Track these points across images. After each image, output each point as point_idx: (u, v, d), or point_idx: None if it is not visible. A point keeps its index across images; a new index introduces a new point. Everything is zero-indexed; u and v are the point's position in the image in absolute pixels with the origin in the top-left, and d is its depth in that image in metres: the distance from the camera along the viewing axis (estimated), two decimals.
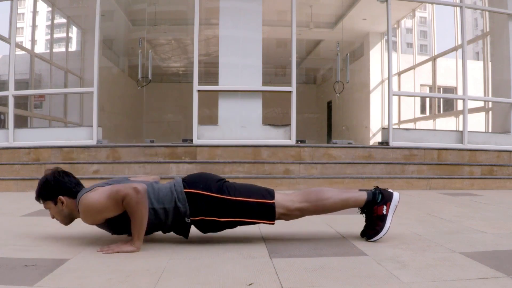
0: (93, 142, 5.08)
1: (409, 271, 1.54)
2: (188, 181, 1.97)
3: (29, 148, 4.93)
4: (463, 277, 1.46)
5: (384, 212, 2.00)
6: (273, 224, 2.00)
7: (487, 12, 6.94)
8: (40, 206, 3.40)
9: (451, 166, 5.20)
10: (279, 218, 2.01)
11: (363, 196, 2.03)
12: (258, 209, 1.95)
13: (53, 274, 1.49)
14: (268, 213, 1.95)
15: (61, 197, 1.94)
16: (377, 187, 2.09)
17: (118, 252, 1.80)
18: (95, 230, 2.13)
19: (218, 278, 1.47)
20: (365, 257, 1.75)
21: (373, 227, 2.03)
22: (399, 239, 2.07)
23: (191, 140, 5.18)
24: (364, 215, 2.08)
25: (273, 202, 1.95)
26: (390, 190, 2.06)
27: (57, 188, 1.96)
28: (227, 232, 2.30)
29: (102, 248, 1.84)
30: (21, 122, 6.49)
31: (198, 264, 1.65)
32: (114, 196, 1.80)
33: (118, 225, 1.91)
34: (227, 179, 2.08)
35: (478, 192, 4.68)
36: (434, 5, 8.27)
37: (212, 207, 1.92)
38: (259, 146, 5.03)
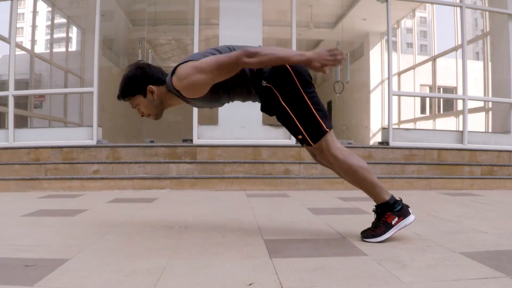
0: (93, 142, 5.09)
1: (409, 271, 1.54)
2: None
3: (29, 148, 4.93)
4: (463, 277, 1.46)
5: (393, 223, 2.00)
6: (311, 146, 2.00)
7: (487, 12, 6.94)
8: (40, 206, 3.41)
9: (451, 166, 5.21)
10: (316, 149, 2.02)
11: (387, 195, 2.03)
12: (312, 124, 1.96)
13: (53, 274, 1.49)
14: (316, 133, 1.97)
15: (151, 86, 1.91)
16: (401, 199, 2.08)
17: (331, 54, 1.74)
18: (95, 230, 2.13)
19: (218, 278, 1.47)
20: (365, 257, 1.75)
21: (374, 229, 2.03)
22: (399, 239, 2.07)
23: (191, 140, 5.18)
24: (375, 215, 2.08)
25: (327, 131, 1.98)
26: (410, 210, 2.06)
27: (145, 79, 1.91)
28: (227, 232, 2.30)
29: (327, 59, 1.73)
30: (21, 122, 6.49)
31: (198, 264, 1.65)
32: (227, 63, 1.74)
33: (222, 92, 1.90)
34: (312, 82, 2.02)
35: (478, 192, 4.68)
36: (434, 5, 8.27)
37: (286, 87, 1.93)
38: (259, 146, 5.03)
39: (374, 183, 2.03)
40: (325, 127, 1.98)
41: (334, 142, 2.01)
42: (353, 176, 2.05)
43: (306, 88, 1.97)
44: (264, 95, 1.99)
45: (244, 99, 2.12)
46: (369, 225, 2.13)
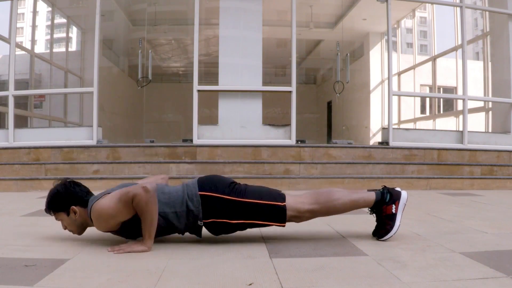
0: (93, 142, 5.09)
1: (409, 271, 1.54)
2: (200, 184, 1.98)
3: (29, 148, 4.93)
4: (463, 277, 1.46)
5: (393, 211, 2.02)
6: (283, 226, 2.02)
7: (487, 12, 6.94)
8: (40, 205, 3.40)
9: (451, 166, 5.20)
10: (290, 221, 2.02)
11: (372, 196, 2.05)
12: (269, 211, 1.96)
13: (53, 274, 1.49)
14: (279, 215, 1.97)
15: (73, 207, 1.94)
16: (385, 186, 2.10)
17: (129, 252, 1.80)
18: (95, 230, 2.12)
19: (218, 278, 1.47)
20: (365, 257, 1.75)
21: (383, 227, 2.05)
22: (399, 239, 2.07)
23: (191, 140, 5.18)
24: (374, 215, 2.10)
25: (284, 205, 1.97)
26: (398, 189, 2.08)
27: (69, 199, 1.95)
28: None
29: (112, 248, 1.83)
30: (21, 122, 6.49)
31: (198, 264, 1.65)
32: (124, 198, 1.80)
33: (131, 229, 1.91)
34: (238, 182, 2.07)
35: (478, 192, 4.68)
36: (434, 5, 8.27)
37: (224, 209, 1.93)
38: (259, 146, 5.03)
39: (354, 199, 2.05)
40: (280, 203, 1.97)
41: (297, 202, 2.00)
42: (335, 211, 2.07)
43: (235, 191, 1.96)
44: (212, 228, 1.99)
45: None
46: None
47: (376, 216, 2.09)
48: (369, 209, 2.09)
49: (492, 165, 5.29)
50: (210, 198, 1.93)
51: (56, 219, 2.01)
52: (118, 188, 1.98)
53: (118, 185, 2.08)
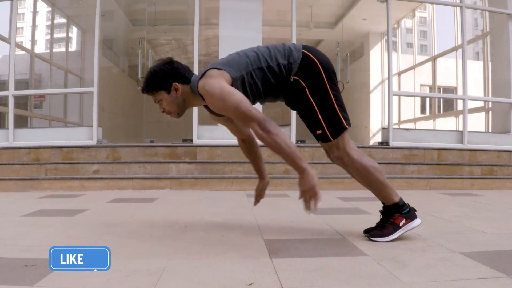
0: (93, 142, 5.09)
1: (409, 271, 1.54)
2: (307, 48, 1.99)
3: (29, 148, 4.93)
4: (463, 277, 1.46)
5: (401, 224, 2.01)
6: (330, 141, 1.99)
7: (487, 12, 6.94)
8: (40, 206, 3.41)
9: (451, 166, 5.20)
10: (332, 147, 2.01)
11: (396, 197, 2.05)
12: (334, 119, 1.97)
13: (53, 274, 1.49)
14: (337, 129, 1.97)
15: (176, 83, 1.91)
16: (408, 204, 2.09)
17: (318, 191, 1.75)
18: (95, 230, 2.13)
19: (218, 278, 1.47)
20: (365, 257, 1.75)
21: (381, 229, 2.03)
22: (399, 239, 2.07)
23: (191, 140, 5.18)
24: (381, 216, 2.09)
25: (347, 128, 1.99)
26: (417, 215, 2.08)
27: (172, 75, 1.92)
28: (227, 232, 2.30)
29: (309, 204, 1.75)
30: (21, 122, 6.49)
31: (198, 264, 1.65)
32: (241, 116, 1.78)
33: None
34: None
35: (478, 192, 4.68)
36: (434, 5, 8.27)
37: (312, 81, 1.93)
38: (259, 146, 5.02)
39: (386, 184, 2.04)
40: (345, 123, 1.99)
41: (349, 141, 2.03)
42: (365, 176, 2.05)
43: (332, 84, 1.98)
44: (291, 89, 1.98)
45: (273, 101, 2.14)
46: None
47: (383, 218, 2.08)
48: (383, 208, 2.08)
49: (492, 165, 5.29)
50: (311, 61, 1.94)
51: (155, 99, 1.98)
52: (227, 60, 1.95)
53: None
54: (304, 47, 2.00)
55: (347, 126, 1.99)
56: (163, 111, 2.00)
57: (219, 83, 1.82)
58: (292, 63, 1.93)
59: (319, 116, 1.97)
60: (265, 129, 1.76)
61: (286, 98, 2.06)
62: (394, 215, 2.03)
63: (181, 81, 1.93)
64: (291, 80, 1.95)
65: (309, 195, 1.75)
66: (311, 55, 1.96)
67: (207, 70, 1.91)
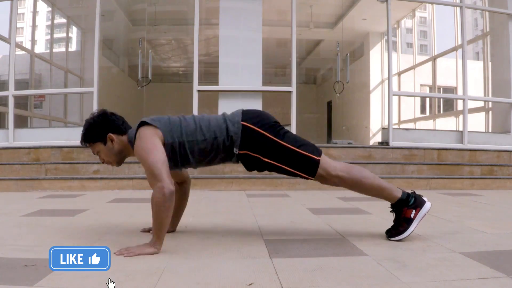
0: None
1: (409, 271, 1.54)
2: (244, 114, 2.01)
3: (29, 148, 4.93)
4: (463, 277, 1.46)
5: (412, 216, 2.01)
6: (311, 179, 2.01)
7: (487, 12, 6.94)
8: (40, 205, 3.41)
9: (451, 166, 5.20)
10: (317, 179, 2.03)
11: (398, 192, 2.04)
12: (303, 161, 1.97)
13: (53, 274, 1.49)
14: (310, 168, 1.98)
15: (110, 134, 1.94)
16: (414, 191, 2.10)
17: (138, 254, 1.76)
18: (95, 230, 2.13)
19: (218, 278, 1.47)
20: (365, 257, 1.75)
21: (397, 227, 2.04)
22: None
23: None
24: (393, 214, 2.08)
25: (319, 160, 1.98)
26: (425, 198, 2.07)
27: (106, 127, 1.95)
28: (227, 232, 2.30)
29: (120, 251, 1.78)
30: (21, 122, 6.49)
31: (198, 264, 1.65)
32: (149, 174, 1.80)
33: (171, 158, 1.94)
34: (281, 124, 2.07)
35: (478, 192, 4.68)
36: (434, 5, 8.27)
37: (260, 145, 1.94)
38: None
39: (382, 186, 2.04)
40: (315, 157, 1.98)
41: (330, 164, 2.02)
42: (360, 188, 2.06)
43: (277, 132, 1.97)
44: (244, 160, 2.01)
45: (217, 164, 2.13)
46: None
47: (395, 216, 2.08)
48: (391, 207, 2.08)
49: (492, 165, 5.29)
50: (251, 130, 1.95)
51: (93, 151, 2.01)
52: (166, 123, 1.96)
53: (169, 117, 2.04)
54: (243, 116, 1.99)
55: (318, 158, 1.98)
56: (102, 162, 2.04)
57: (151, 140, 1.87)
58: (232, 136, 1.95)
59: (288, 169, 1.99)
60: (164, 194, 1.76)
61: (244, 165, 2.05)
62: (403, 210, 2.03)
63: (116, 131, 1.97)
64: (236, 153, 1.97)
65: (130, 253, 1.76)
66: (249, 125, 1.96)
67: (144, 123, 1.94)
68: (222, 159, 2.04)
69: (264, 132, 1.95)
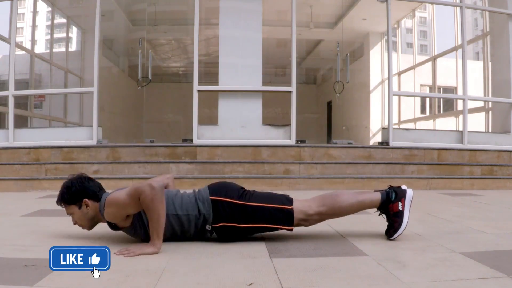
0: (93, 142, 5.08)
1: (409, 271, 1.54)
2: (211, 189, 2.05)
3: (29, 148, 4.93)
4: (463, 277, 1.46)
5: (400, 208, 2.04)
6: (291, 230, 2.05)
7: (487, 12, 6.93)
8: (40, 205, 3.41)
9: (451, 166, 5.20)
10: (299, 224, 2.05)
11: (377, 196, 2.07)
12: (277, 215, 2.00)
13: (53, 274, 1.49)
14: (287, 218, 2.01)
15: (86, 200, 1.98)
16: (391, 186, 2.13)
17: (139, 254, 1.78)
18: (95, 230, 2.12)
19: (218, 278, 1.47)
20: (365, 257, 1.75)
21: (392, 225, 2.07)
22: (399, 239, 2.07)
23: (191, 140, 5.18)
24: (384, 215, 2.11)
25: (292, 208, 2.01)
26: (403, 187, 2.10)
27: (82, 192, 1.99)
28: None
29: (121, 251, 1.80)
30: (21, 122, 6.49)
31: (198, 264, 1.65)
32: (133, 194, 1.84)
33: (140, 229, 1.96)
34: (247, 189, 2.14)
35: (478, 192, 4.68)
36: (434, 5, 8.27)
37: (233, 212, 1.98)
38: (259, 146, 5.03)
39: (360, 200, 2.07)
40: (287, 207, 2.01)
41: (304, 206, 2.04)
42: (342, 213, 2.10)
43: (244, 196, 2.03)
44: (221, 232, 2.02)
45: (189, 238, 2.10)
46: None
47: (386, 217, 2.10)
48: (377, 210, 2.10)
49: (492, 165, 5.29)
50: (220, 202, 1.99)
51: (67, 212, 2.03)
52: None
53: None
54: (210, 191, 2.03)
55: (291, 207, 2.01)
56: (74, 224, 2.06)
57: (117, 194, 1.92)
58: (204, 214, 1.98)
59: (267, 225, 2.02)
60: (154, 188, 1.81)
61: (221, 238, 2.05)
62: (389, 208, 2.06)
63: (92, 198, 1.99)
64: (209, 229, 2.00)
65: (131, 253, 1.79)
66: (218, 198, 2.00)
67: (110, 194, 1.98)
68: (192, 236, 2.03)
69: (233, 201, 1.99)
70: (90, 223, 2.04)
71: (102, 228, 2.39)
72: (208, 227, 1.99)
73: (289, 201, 2.04)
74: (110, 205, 1.90)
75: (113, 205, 1.89)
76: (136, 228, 1.97)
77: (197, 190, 2.08)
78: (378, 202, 2.06)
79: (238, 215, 1.98)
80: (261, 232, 2.07)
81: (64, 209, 2.04)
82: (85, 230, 2.08)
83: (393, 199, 2.05)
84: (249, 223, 2.00)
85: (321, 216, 2.06)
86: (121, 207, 1.88)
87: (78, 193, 1.99)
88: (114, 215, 1.92)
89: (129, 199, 1.84)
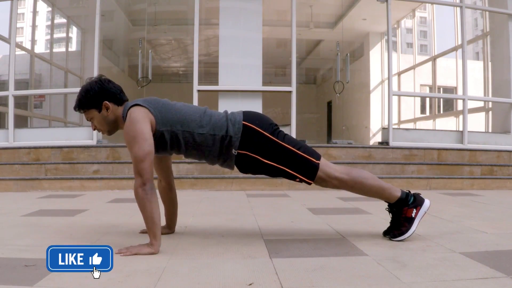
0: (93, 142, 5.09)
1: (409, 271, 1.54)
2: (245, 114, 1.98)
3: (29, 148, 4.93)
4: (463, 277, 1.46)
5: (413, 215, 2.01)
6: (310, 183, 2.00)
7: (487, 12, 6.93)
8: (40, 205, 3.41)
9: (451, 166, 5.20)
10: (317, 182, 2.00)
11: (398, 192, 2.04)
12: (302, 164, 1.95)
13: (53, 274, 1.49)
14: (310, 171, 1.96)
15: (106, 102, 1.90)
16: (410, 191, 2.10)
17: (136, 254, 1.76)
18: (95, 230, 2.13)
19: (218, 278, 1.47)
20: (365, 257, 1.75)
21: (398, 228, 2.04)
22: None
23: None
24: (391, 214, 2.09)
25: (318, 163, 1.96)
26: (422, 196, 2.08)
27: (102, 94, 1.90)
28: (227, 232, 2.30)
29: (120, 250, 1.79)
30: (21, 122, 6.49)
31: (198, 264, 1.65)
32: (134, 161, 1.80)
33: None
34: (280, 128, 2.05)
35: (478, 192, 4.68)
36: (434, 5, 8.27)
37: (261, 145, 1.92)
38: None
39: (382, 187, 2.04)
40: (315, 160, 1.96)
41: (329, 167, 2.00)
42: (360, 189, 2.05)
43: (276, 133, 1.96)
44: (241, 160, 1.96)
45: (209, 161, 2.08)
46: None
47: (393, 216, 2.08)
48: (388, 207, 2.08)
49: (492, 165, 5.29)
50: (251, 130, 1.92)
51: (87, 117, 1.97)
52: (164, 104, 1.93)
53: (166, 100, 1.99)
54: (244, 116, 1.97)
55: (318, 161, 1.96)
56: (94, 129, 2.00)
57: (141, 125, 1.83)
58: (232, 137, 1.91)
59: (288, 170, 1.96)
60: (145, 189, 1.79)
61: (239, 166, 2.00)
62: (403, 210, 2.03)
63: (112, 100, 1.92)
64: (235, 153, 1.94)
65: (127, 252, 1.77)
66: (250, 125, 1.93)
67: (137, 104, 1.89)
68: (215, 157, 1.98)
69: (264, 133, 1.93)
70: (110, 127, 1.97)
71: (102, 228, 2.40)
72: (234, 151, 1.91)
73: (317, 156, 1.98)
74: (125, 131, 1.83)
75: (125, 133, 1.83)
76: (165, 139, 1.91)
77: (229, 111, 2.00)
78: (395, 198, 2.03)
79: (265, 149, 1.91)
80: (280, 176, 1.99)
81: (84, 115, 1.96)
82: (86, 230, 2.07)
83: (410, 203, 2.03)
84: (273, 161, 1.93)
85: (341, 183, 2.00)
86: (127, 143, 1.83)
87: (98, 95, 1.89)
88: (125, 136, 1.87)
89: (131, 155, 1.81)
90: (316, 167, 1.96)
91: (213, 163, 2.05)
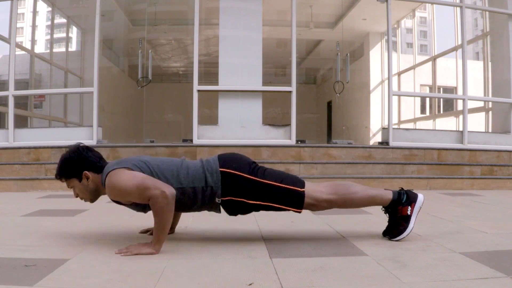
0: (93, 142, 5.08)
1: (409, 271, 1.54)
2: (221, 160, 1.97)
3: (29, 148, 4.93)
4: (463, 277, 1.46)
5: (409, 212, 2.02)
6: (300, 212, 2.01)
7: (487, 12, 6.93)
8: (40, 205, 3.41)
9: (451, 166, 5.20)
10: (307, 208, 2.01)
11: (389, 195, 2.05)
12: (288, 196, 1.95)
13: (53, 274, 1.49)
14: (297, 200, 1.96)
15: (86, 172, 1.90)
16: (402, 188, 2.11)
17: (136, 254, 1.76)
18: (95, 230, 2.13)
19: (218, 278, 1.47)
20: (365, 257, 1.75)
21: (397, 227, 2.05)
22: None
23: (191, 140, 5.18)
24: (387, 214, 2.10)
25: (303, 191, 1.96)
26: (414, 191, 2.09)
27: (82, 164, 1.91)
28: (227, 232, 2.30)
29: (120, 250, 1.80)
30: (21, 122, 6.49)
31: (198, 264, 1.65)
32: (142, 191, 1.77)
33: (143, 206, 1.90)
34: (258, 164, 2.05)
35: (478, 192, 4.68)
36: (434, 5, 8.27)
37: (243, 188, 1.92)
38: (259, 146, 5.03)
39: (372, 196, 2.05)
40: (299, 189, 1.96)
41: (316, 191, 2.00)
42: (351, 205, 2.07)
43: (256, 171, 1.96)
44: (228, 206, 1.97)
45: (195, 211, 2.06)
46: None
47: (389, 216, 2.09)
48: (383, 208, 2.09)
49: (492, 165, 5.29)
50: (230, 175, 1.91)
51: (68, 186, 1.97)
52: (138, 161, 1.92)
53: (139, 156, 2.00)
54: (220, 162, 1.95)
55: (302, 189, 1.96)
56: (76, 197, 2.00)
57: (123, 183, 1.81)
58: (212, 187, 1.91)
59: (276, 205, 1.97)
60: (166, 197, 1.75)
61: (227, 211, 2.01)
62: (398, 209, 2.04)
63: (92, 169, 1.91)
64: (219, 202, 1.94)
65: (128, 252, 1.77)
66: (228, 170, 1.92)
67: (113, 169, 1.87)
68: (199, 207, 1.99)
69: (244, 175, 1.93)
70: (92, 196, 1.98)
71: (102, 228, 2.40)
72: (217, 200, 1.92)
73: (301, 183, 1.99)
74: (113, 188, 1.81)
75: (115, 190, 1.82)
76: (139, 206, 1.91)
77: (204, 160, 1.99)
78: (388, 201, 2.04)
79: (247, 191, 1.92)
80: (269, 210, 2.00)
81: (64, 183, 1.96)
82: (86, 230, 2.07)
83: (403, 201, 2.03)
84: (258, 200, 1.94)
85: (331, 204, 2.01)
86: (124, 194, 1.82)
87: (77, 165, 1.90)
88: (115, 196, 1.87)
89: (137, 193, 1.78)
90: (301, 195, 1.96)
91: (200, 211, 2.05)
